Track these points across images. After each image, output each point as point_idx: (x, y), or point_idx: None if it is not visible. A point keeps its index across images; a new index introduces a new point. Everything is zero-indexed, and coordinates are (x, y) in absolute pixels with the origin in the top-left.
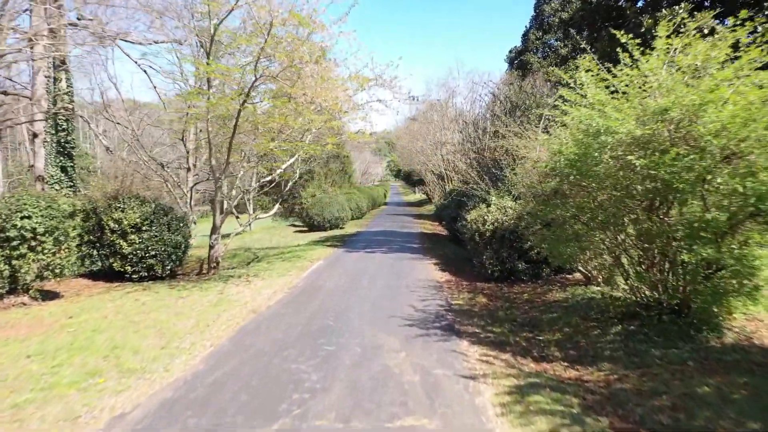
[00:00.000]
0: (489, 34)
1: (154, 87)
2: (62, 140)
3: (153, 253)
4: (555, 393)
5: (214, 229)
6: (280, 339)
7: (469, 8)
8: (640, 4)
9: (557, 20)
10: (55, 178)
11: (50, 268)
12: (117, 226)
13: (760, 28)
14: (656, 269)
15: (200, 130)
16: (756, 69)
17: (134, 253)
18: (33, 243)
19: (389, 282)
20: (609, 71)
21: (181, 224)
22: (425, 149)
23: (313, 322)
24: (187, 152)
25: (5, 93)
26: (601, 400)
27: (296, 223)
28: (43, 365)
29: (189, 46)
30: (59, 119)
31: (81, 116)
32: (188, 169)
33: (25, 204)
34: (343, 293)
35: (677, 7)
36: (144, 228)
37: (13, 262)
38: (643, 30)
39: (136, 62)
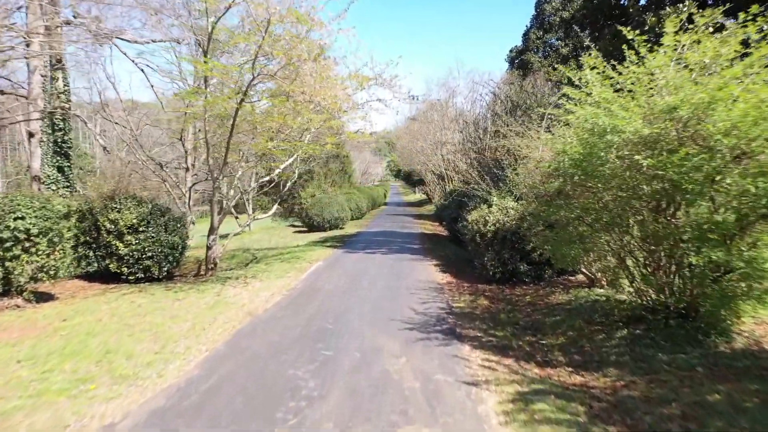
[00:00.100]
0: (489, 33)
1: (152, 86)
2: (59, 140)
3: (149, 254)
4: (560, 400)
5: (212, 230)
6: (277, 343)
7: (469, 6)
8: (642, 2)
9: (558, 19)
10: (51, 178)
11: (44, 269)
12: (113, 226)
13: None
14: (663, 272)
15: (199, 130)
16: (767, 66)
17: (130, 254)
18: (27, 244)
19: (389, 283)
20: (614, 68)
21: (179, 225)
22: (425, 149)
23: (312, 325)
24: (186, 152)
25: (1, 92)
26: (608, 408)
27: (296, 223)
28: (33, 371)
29: (187, 45)
30: (56, 119)
31: (78, 116)
32: (187, 169)
33: (18, 205)
34: (343, 295)
35: (681, 5)
36: (140, 229)
37: (6, 263)
38: (646, 28)
39: (133, 61)
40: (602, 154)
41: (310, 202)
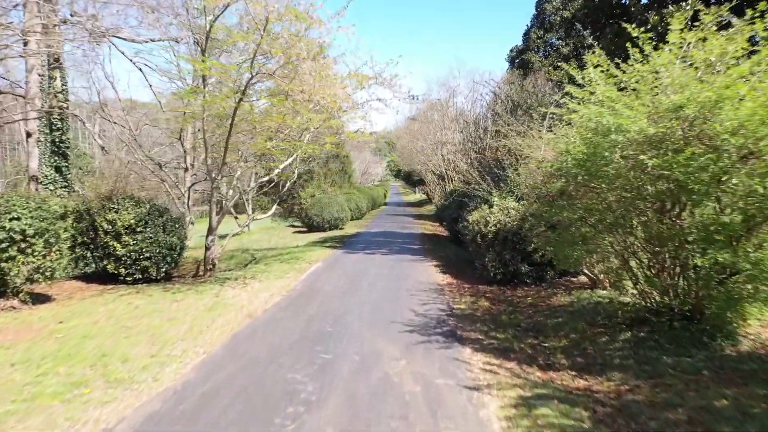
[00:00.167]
0: (490, 32)
1: (150, 85)
2: (57, 140)
3: (147, 255)
4: (563, 405)
5: (210, 231)
6: (276, 346)
7: (469, 5)
8: (644, 0)
9: (559, 19)
10: (49, 178)
11: (40, 270)
12: (110, 227)
13: None
14: (667, 273)
15: (198, 130)
16: None
17: (128, 255)
18: (23, 245)
19: (389, 285)
20: (618, 67)
21: (177, 225)
22: (425, 149)
23: (311, 328)
24: (185, 152)
25: None
26: (612, 413)
27: (295, 223)
28: (27, 374)
29: (186, 44)
30: (53, 118)
31: (76, 115)
32: (186, 169)
33: (14, 205)
34: (342, 296)
35: (684, 2)
36: (138, 229)
37: (2, 264)
38: (649, 27)
39: (131, 60)
40: (606, 153)
41: (310, 203)
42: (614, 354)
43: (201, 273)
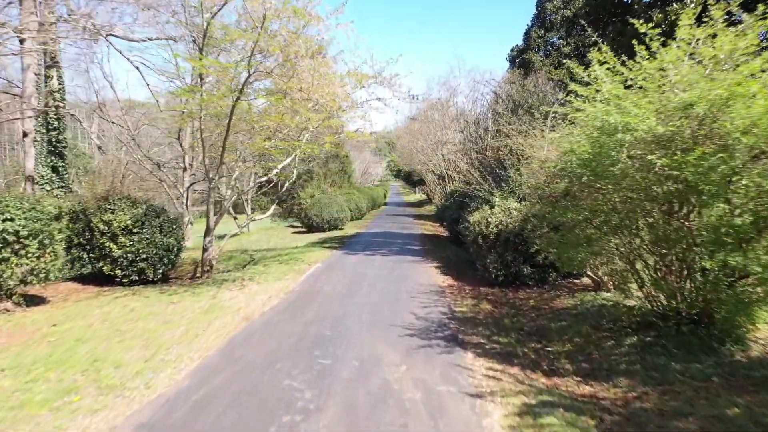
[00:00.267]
0: (490, 31)
1: (147, 85)
2: (53, 139)
3: (144, 256)
4: (569, 413)
5: (208, 231)
6: (273, 350)
7: (469, 4)
8: None
9: (560, 18)
10: (45, 178)
11: (34, 272)
12: (106, 228)
13: None
14: (674, 276)
15: (197, 129)
16: None
17: (124, 256)
18: (16, 246)
19: (389, 287)
20: (623, 64)
21: (174, 226)
22: (426, 149)
23: (309, 332)
24: (183, 151)
25: None
26: (620, 422)
27: (295, 224)
28: (16, 380)
29: (185, 42)
30: (50, 118)
31: (73, 114)
32: (184, 169)
33: (7, 206)
34: (341, 299)
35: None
36: (135, 230)
37: None
38: (653, 25)
39: (128, 59)
40: (613, 153)
41: (310, 203)
42: (620, 359)
43: (198, 274)
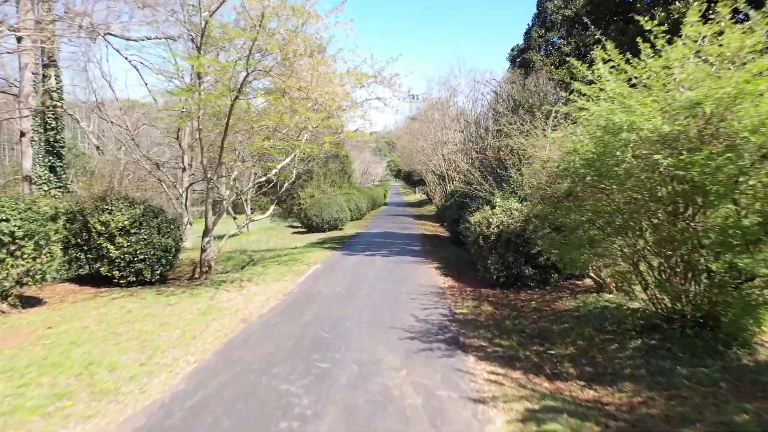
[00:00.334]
0: (490, 31)
1: (146, 84)
2: (51, 139)
3: (142, 257)
4: (573, 419)
5: (206, 232)
6: (271, 354)
7: (469, 3)
8: None
9: (560, 17)
10: (43, 178)
11: (30, 273)
12: (104, 228)
13: None
14: (679, 278)
15: (196, 129)
16: None
17: (122, 257)
18: (11, 247)
19: (389, 288)
20: (628, 62)
21: (172, 227)
22: (426, 149)
23: (307, 334)
24: (182, 151)
25: None
26: (625, 428)
27: (294, 224)
28: (8, 384)
29: (183, 41)
30: (48, 117)
31: (71, 114)
32: (183, 169)
33: (2, 206)
34: (341, 300)
35: None
36: (132, 231)
37: None
38: (657, 22)
39: (126, 58)
40: (618, 153)
41: (309, 203)
42: (624, 363)
43: (197, 275)
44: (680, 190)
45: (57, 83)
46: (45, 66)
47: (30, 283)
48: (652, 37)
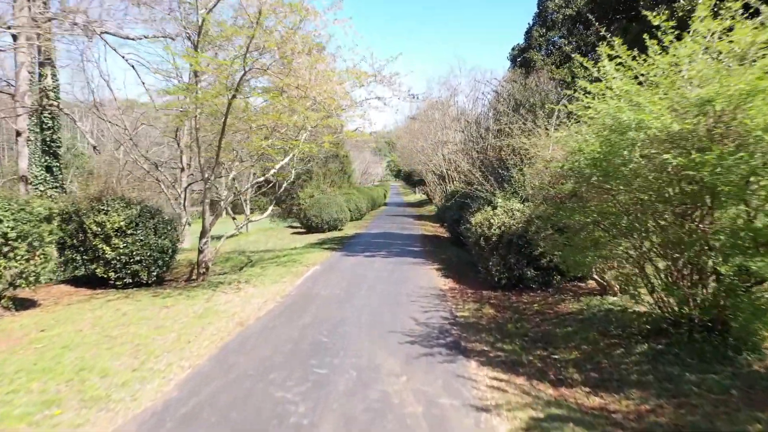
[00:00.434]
0: (490, 31)
1: (143, 83)
2: (47, 139)
3: (138, 258)
4: (579, 428)
5: (204, 232)
6: (267, 358)
7: (469, 3)
8: None
9: (561, 17)
10: (39, 178)
11: (24, 275)
12: (99, 229)
13: None
14: (686, 281)
15: (194, 128)
16: None
17: (118, 258)
18: (4, 248)
19: (389, 290)
20: (634, 59)
21: (169, 227)
22: (426, 149)
23: (305, 338)
24: (181, 151)
25: None
26: None
27: (294, 224)
28: None
29: (181, 40)
30: (44, 117)
31: (67, 114)
32: (182, 169)
33: None
34: (340, 303)
35: None
36: (128, 232)
37: None
38: (665, 17)
39: (123, 57)
40: (625, 152)
41: (309, 203)
42: (631, 369)
43: (194, 277)
44: (689, 191)
45: (54, 82)
46: (41, 64)
47: (23, 285)
48: (659, 33)
